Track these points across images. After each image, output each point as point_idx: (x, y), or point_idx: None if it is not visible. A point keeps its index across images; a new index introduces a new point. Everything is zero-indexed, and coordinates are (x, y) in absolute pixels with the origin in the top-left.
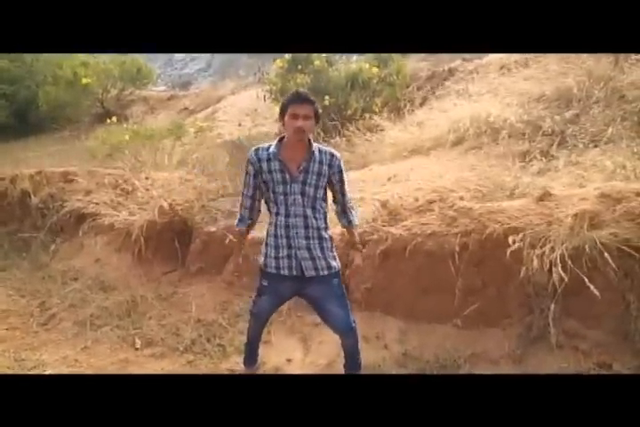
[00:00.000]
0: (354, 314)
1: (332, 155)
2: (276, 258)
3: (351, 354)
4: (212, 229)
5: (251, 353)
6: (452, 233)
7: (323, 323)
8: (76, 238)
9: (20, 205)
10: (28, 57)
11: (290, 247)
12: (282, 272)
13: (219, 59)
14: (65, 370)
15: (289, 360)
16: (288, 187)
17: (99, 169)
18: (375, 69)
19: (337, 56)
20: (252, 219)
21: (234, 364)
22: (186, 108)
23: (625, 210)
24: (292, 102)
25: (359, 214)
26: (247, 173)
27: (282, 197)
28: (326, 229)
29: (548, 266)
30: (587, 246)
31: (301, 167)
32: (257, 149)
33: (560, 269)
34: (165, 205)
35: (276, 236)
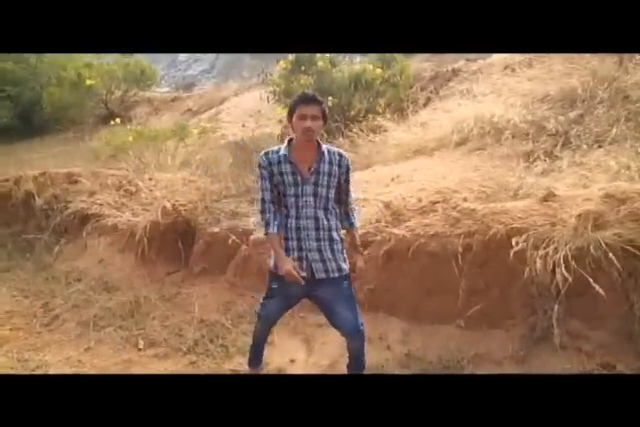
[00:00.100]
0: None
1: (341, 155)
2: None
3: (356, 357)
4: (216, 229)
5: (256, 355)
6: (456, 234)
7: (325, 324)
8: (80, 239)
9: (24, 206)
10: (33, 59)
11: (300, 249)
12: None
13: (222, 60)
14: (68, 371)
15: (292, 361)
16: (300, 189)
17: (102, 170)
18: (379, 70)
19: (340, 57)
20: (280, 221)
21: (237, 364)
22: (189, 110)
23: (629, 210)
24: (299, 103)
25: (362, 215)
26: (262, 177)
27: (293, 200)
28: (338, 229)
29: (551, 267)
30: (591, 247)
31: (312, 169)
32: (267, 153)
33: (564, 269)
34: (169, 205)
35: (286, 238)
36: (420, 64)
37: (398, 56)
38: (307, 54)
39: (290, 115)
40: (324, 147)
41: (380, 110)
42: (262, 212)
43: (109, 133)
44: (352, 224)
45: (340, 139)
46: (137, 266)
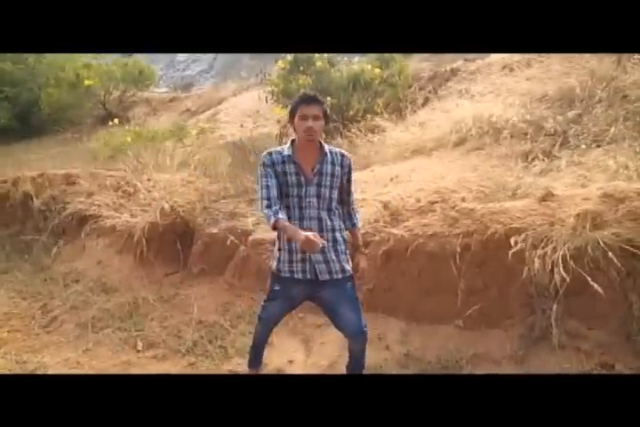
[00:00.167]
0: None
1: (343, 155)
2: (290, 262)
3: (357, 358)
4: (214, 230)
5: (256, 356)
6: (454, 234)
7: (324, 324)
8: (78, 240)
9: (22, 207)
10: (31, 59)
11: (304, 251)
12: (295, 276)
13: (221, 60)
14: (67, 372)
15: (291, 362)
16: (303, 190)
17: (101, 171)
18: (377, 70)
19: (339, 57)
20: (286, 217)
21: (235, 365)
22: (188, 110)
23: (627, 210)
24: (300, 104)
25: (360, 215)
26: (267, 175)
27: (296, 200)
28: (341, 230)
29: (550, 266)
30: (589, 247)
31: (315, 169)
32: (270, 153)
33: (562, 269)
34: (167, 206)
35: (289, 239)
36: (418, 64)
37: (397, 56)
38: (305, 54)
39: (291, 115)
40: (327, 147)
41: (379, 110)
42: (268, 207)
43: (108, 134)
44: (354, 225)
45: (339, 139)
46: (135, 267)
